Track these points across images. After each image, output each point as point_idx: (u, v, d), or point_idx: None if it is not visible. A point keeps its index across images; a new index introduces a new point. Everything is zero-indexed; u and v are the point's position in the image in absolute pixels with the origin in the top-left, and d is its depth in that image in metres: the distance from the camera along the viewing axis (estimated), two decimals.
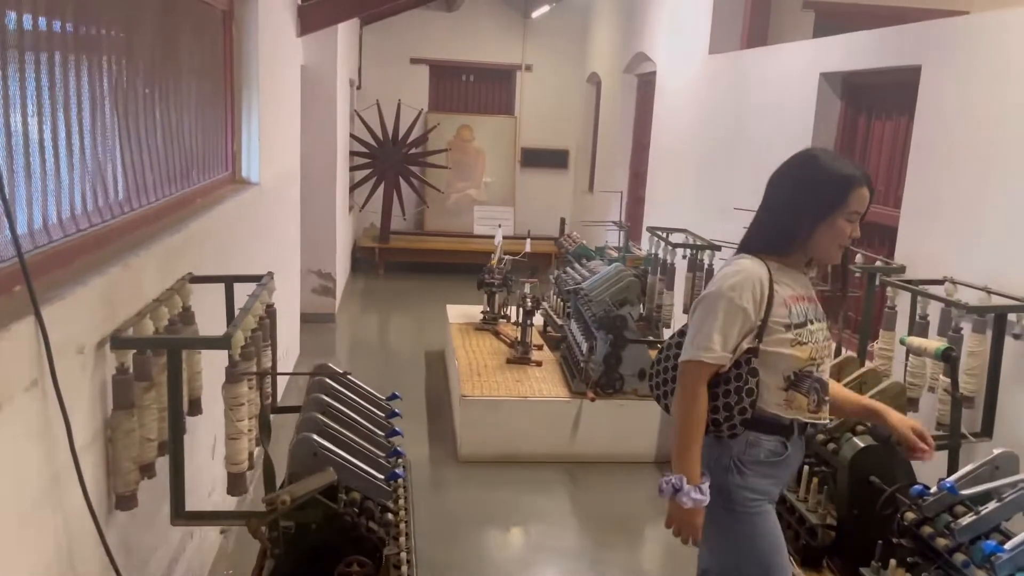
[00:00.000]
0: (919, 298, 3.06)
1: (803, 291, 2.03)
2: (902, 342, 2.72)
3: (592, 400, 4.34)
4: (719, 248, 4.40)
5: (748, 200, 4.77)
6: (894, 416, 2.11)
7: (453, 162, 9.67)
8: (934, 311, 3.04)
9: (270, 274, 2.75)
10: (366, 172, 8.93)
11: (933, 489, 2.24)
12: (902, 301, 3.20)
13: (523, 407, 4.40)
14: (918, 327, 3.02)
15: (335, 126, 6.67)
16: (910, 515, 2.29)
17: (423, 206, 9.60)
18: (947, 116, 3.28)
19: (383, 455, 2.41)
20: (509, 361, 5.00)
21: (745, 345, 1.96)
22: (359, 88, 9.31)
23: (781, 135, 4.70)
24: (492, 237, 7.12)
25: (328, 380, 2.62)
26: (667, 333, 4.71)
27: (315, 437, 2.22)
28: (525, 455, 4.39)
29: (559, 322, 5.36)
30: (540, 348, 5.31)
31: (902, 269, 3.55)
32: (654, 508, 4.09)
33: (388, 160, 8.88)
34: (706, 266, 4.52)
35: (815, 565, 2.77)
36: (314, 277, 6.83)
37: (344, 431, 2.37)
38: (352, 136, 8.45)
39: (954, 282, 3.14)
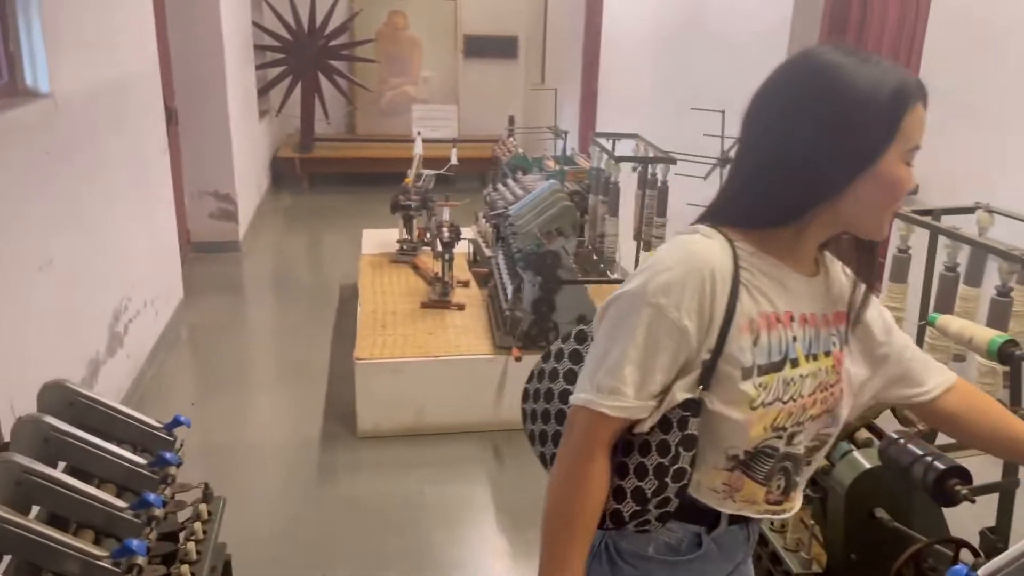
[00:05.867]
0: (943, 239, 2.16)
1: (793, 305, 1.13)
2: (931, 323, 1.83)
3: (517, 359, 3.47)
4: (674, 161, 3.45)
5: (707, 99, 3.84)
6: None
7: (384, 54, 8.46)
8: (964, 256, 2.15)
9: None
10: (280, 69, 7.73)
11: (980, 572, 1.43)
12: (919, 241, 2.30)
13: (433, 369, 3.53)
14: (944, 282, 2.14)
15: (218, 14, 5.48)
16: None
17: (351, 107, 8.45)
18: None
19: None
20: (425, 305, 4.10)
21: (680, 395, 1.09)
22: None
23: (750, 18, 3.68)
24: (439, 140, 6.05)
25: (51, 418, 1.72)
26: (614, 272, 3.81)
27: None
28: (439, 426, 3.56)
29: (488, 253, 4.44)
30: (466, 285, 4.41)
31: (914, 190, 2.64)
32: None
33: (304, 55, 7.66)
34: (659, 182, 3.58)
35: None
36: (210, 199, 5.80)
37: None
38: (256, 26, 7.21)
39: (990, 210, 2.25)
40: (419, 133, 5.28)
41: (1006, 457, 1.34)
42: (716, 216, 1.14)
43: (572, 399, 1.14)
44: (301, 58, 7.66)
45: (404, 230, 4.82)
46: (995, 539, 1.62)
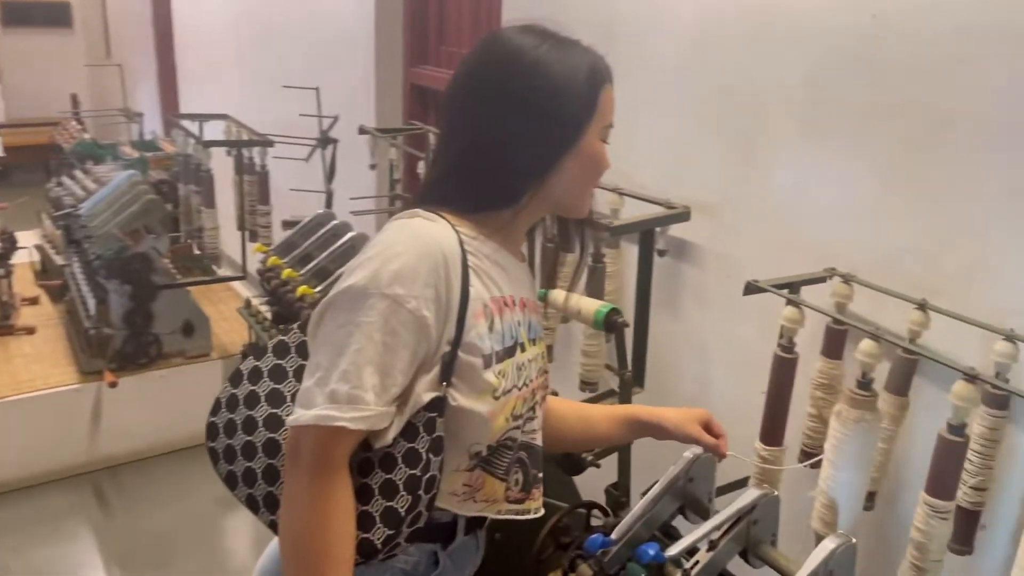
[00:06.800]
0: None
1: (514, 289, 1.10)
2: (541, 298, 1.86)
3: (112, 385, 2.96)
4: (271, 144, 3.20)
5: (300, 76, 3.63)
6: (669, 416, 1.27)
7: None
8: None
9: None
10: None
11: (614, 535, 1.51)
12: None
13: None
14: (546, 253, 2.24)
15: None
16: (586, 570, 1.55)
17: None
18: None
19: None
20: None
21: (425, 395, 0.99)
22: None
23: None
24: None
25: None
26: (221, 268, 3.45)
27: None
28: (16, 481, 2.90)
29: (59, 261, 3.73)
30: (35, 302, 3.68)
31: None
32: (226, 505, 2.98)
33: None
34: (258, 167, 3.30)
35: None
36: None
37: None
38: None
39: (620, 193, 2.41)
40: None
41: (599, 445, 1.48)
42: (428, 201, 1.05)
43: (293, 420, 0.96)
44: None
45: None
46: (618, 494, 1.74)
